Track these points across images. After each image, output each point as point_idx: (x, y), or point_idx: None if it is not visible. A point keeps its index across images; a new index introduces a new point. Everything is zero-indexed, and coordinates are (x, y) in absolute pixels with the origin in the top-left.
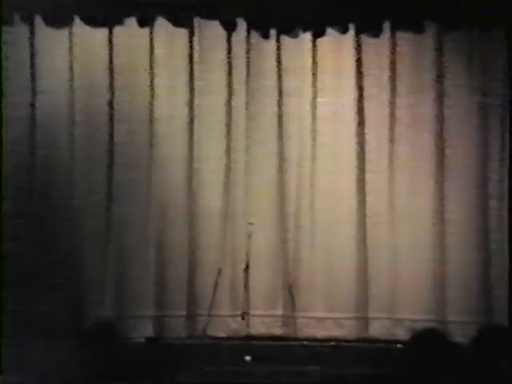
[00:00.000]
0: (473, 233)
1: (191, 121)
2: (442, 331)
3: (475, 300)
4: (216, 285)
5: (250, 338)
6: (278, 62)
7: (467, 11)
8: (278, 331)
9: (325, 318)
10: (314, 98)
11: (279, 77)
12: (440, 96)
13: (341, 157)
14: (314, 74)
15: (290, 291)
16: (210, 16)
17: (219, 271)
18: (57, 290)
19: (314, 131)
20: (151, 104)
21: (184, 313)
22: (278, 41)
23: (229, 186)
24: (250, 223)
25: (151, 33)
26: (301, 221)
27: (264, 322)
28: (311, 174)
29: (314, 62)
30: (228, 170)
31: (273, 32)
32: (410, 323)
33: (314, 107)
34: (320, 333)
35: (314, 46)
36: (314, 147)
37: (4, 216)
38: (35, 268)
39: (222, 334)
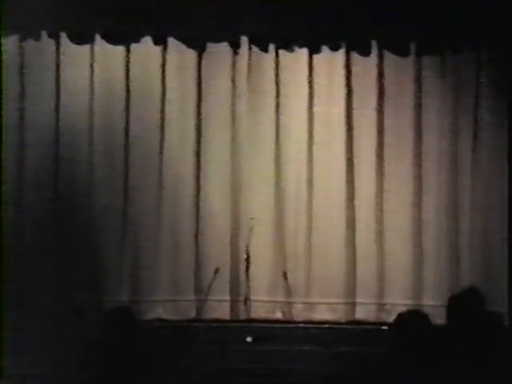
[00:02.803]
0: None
1: (199, 122)
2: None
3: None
4: (213, 279)
5: (251, 321)
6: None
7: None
8: (277, 315)
9: (318, 303)
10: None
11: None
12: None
13: (333, 160)
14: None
15: (287, 279)
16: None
17: (217, 269)
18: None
19: (310, 133)
20: (162, 111)
21: (192, 298)
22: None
23: (234, 186)
24: (252, 218)
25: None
26: (298, 218)
27: (264, 306)
28: (308, 175)
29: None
30: (233, 172)
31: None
32: (392, 307)
33: (309, 111)
34: (314, 316)
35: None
36: (311, 150)
37: (4, 212)
38: (56, 257)
39: (226, 317)
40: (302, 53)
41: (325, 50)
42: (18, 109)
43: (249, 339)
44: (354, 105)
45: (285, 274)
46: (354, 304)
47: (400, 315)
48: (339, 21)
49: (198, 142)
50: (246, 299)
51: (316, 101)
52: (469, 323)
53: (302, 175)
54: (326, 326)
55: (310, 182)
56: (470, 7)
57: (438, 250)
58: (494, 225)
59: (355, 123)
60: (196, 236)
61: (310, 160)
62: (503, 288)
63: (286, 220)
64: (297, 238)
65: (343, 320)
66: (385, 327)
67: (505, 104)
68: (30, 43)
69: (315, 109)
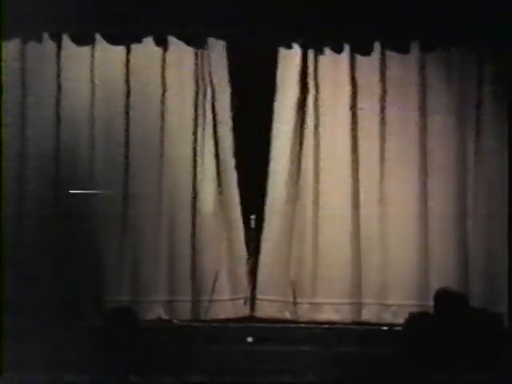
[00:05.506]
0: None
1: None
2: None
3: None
4: (215, 281)
5: (252, 320)
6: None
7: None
8: (281, 315)
9: (324, 304)
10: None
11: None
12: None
13: (338, 162)
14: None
15: (293, 279)
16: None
17: (217, 273)
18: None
19: (316, 134)
20: (162, 111)
21: (192, 298)
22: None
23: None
24: (252, 217)
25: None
26: (304, 217)
27: (270, 306)
28: (314, 176)
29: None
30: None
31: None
32: (398, 308)
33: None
34: (320, 317)
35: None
36: (317, 151)
37: (4, 212)
38: (58, 257)
39: (227, 317)
40: (302, 53)
41: (327, 50)
42: (19, 110)
43: (249, 339)
44: (359, 104)
45: (290, 274)
46: (360, 305)
47: (410, 317)
48: (341, 22)
49: (195, 143)
50: (247, 299)
51: (320, 100)
52: (470, 322)
53: (308, 176)
54: (328, 326)
55: (316, 182)
56: (471, 5)
57: (443, 250)
58: (496, 225)
59: (359, 123)
60: (194, 236)
61: (317, 162)
62: (503, 288)
63: (291, 220)
64: (303, 239)
65: (349, 321)
66: (385, 328)
67: (505, 102)
68: (31, 45)
69: (320, 109)
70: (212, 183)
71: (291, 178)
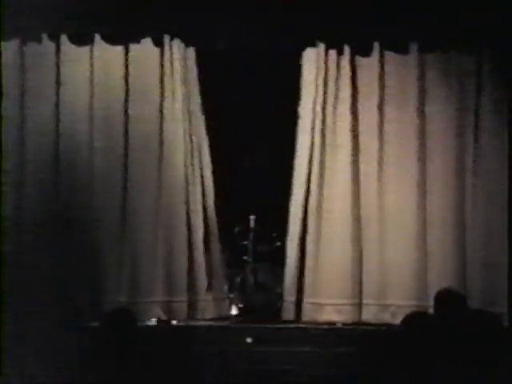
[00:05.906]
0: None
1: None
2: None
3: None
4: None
5: (251, 321)
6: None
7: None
8: (286, 315)
9: (325, 304)
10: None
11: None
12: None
13: (339, 161)
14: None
15: (296, 280)
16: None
17: (208, 285)
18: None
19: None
20: (161, 112)
21: (191, 298)
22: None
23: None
24: (252, 217)
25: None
26: (307, 220)
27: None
28: (318, 177)
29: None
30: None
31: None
32: (397, 309)
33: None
34: (321, 317)
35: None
36: (323, 152)
37: (4, 212)
38: (56, 258)
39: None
40: (304, 53)
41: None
42: (18, 111)
43: (249, 340)
44: (359, 105)
45: (294, 275)
46: (360, 305)
47: (407, 317)
48: (341, 21)
49: (191, 143)
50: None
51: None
52: (468, 323)
53: (311, 178)
54: (326, 326)
55: (320, 184)
56: (471, 6)
57: (442, 251)
58: (495, 225)
59: (360, 124)
60: (189, 238)
61: (321, 161)
62: (503, 288)
63: (292, 221)
64: (306, 241)
65: (350, 321)
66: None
67: (505, 104)
68: (30, 46)
69: (321, 109)
70: (200, 184)
71: (294, 180)
